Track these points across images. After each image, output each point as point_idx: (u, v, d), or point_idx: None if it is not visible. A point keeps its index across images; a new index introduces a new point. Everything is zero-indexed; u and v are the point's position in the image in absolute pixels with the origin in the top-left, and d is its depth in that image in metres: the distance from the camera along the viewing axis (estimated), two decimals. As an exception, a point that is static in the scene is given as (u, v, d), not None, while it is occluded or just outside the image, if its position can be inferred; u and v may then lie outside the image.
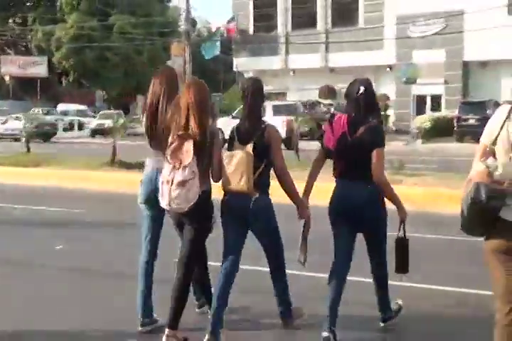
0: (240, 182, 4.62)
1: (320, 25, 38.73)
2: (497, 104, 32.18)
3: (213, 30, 56.67)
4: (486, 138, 3.56)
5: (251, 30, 41.35)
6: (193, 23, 49.15)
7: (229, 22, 42.08)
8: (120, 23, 49.03)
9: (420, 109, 34.04)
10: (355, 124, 4.75)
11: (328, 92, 36.46)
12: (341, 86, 38.82)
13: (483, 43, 32.72)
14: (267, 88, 43.03)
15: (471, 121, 28.85)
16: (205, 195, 4.67)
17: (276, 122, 17.16)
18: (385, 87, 37.70)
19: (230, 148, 4.83)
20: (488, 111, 30.76)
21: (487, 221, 3.39)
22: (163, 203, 4.63)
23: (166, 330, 4.70)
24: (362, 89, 4.78)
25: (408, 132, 31.34)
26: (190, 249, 4.74)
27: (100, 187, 13.29)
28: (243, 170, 4.60)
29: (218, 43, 43.68)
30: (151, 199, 4.93)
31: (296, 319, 5.16)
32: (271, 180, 4.87)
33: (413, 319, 5.42)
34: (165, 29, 49.35)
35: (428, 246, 7.85)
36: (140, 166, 9.96)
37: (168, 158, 4.57)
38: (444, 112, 33.63)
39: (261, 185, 4.73)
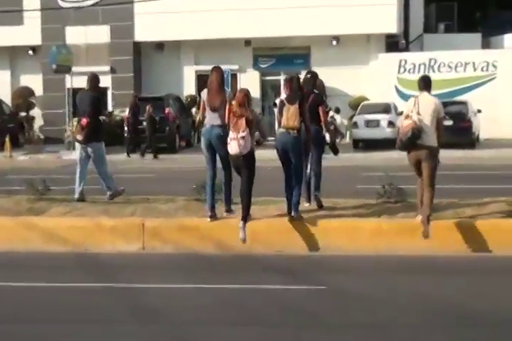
0: (294, 122, 9.63)
1: None
2: (179, 99, 26.45)
3: None
4: (405, 110, 9.49)
5: None
6: None
7: None
8: None
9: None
10: None
11: None
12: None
13: (158, 20, 28.16)
14: None
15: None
16: (252, 148, 9.62)
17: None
18: (26, 78, 30.12)
19: (282, 107, 9.76)
20: (167, 110, 24.67)
21: (412, 143, 9.17)
22: (232, 151, 9.39)
23: (241, 223, 9.21)
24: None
25: (63, 141, 26.40)
26: (248, 175, 9.66)
27: None
28: (295, 116, 9.66)
29: None
30: (209, 144, 9.79)
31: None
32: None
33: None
34: None
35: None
36: None
37: (232, 127, 9.47)
38: (115, 111, 28.21)
39: (300, 123, 9.84)
